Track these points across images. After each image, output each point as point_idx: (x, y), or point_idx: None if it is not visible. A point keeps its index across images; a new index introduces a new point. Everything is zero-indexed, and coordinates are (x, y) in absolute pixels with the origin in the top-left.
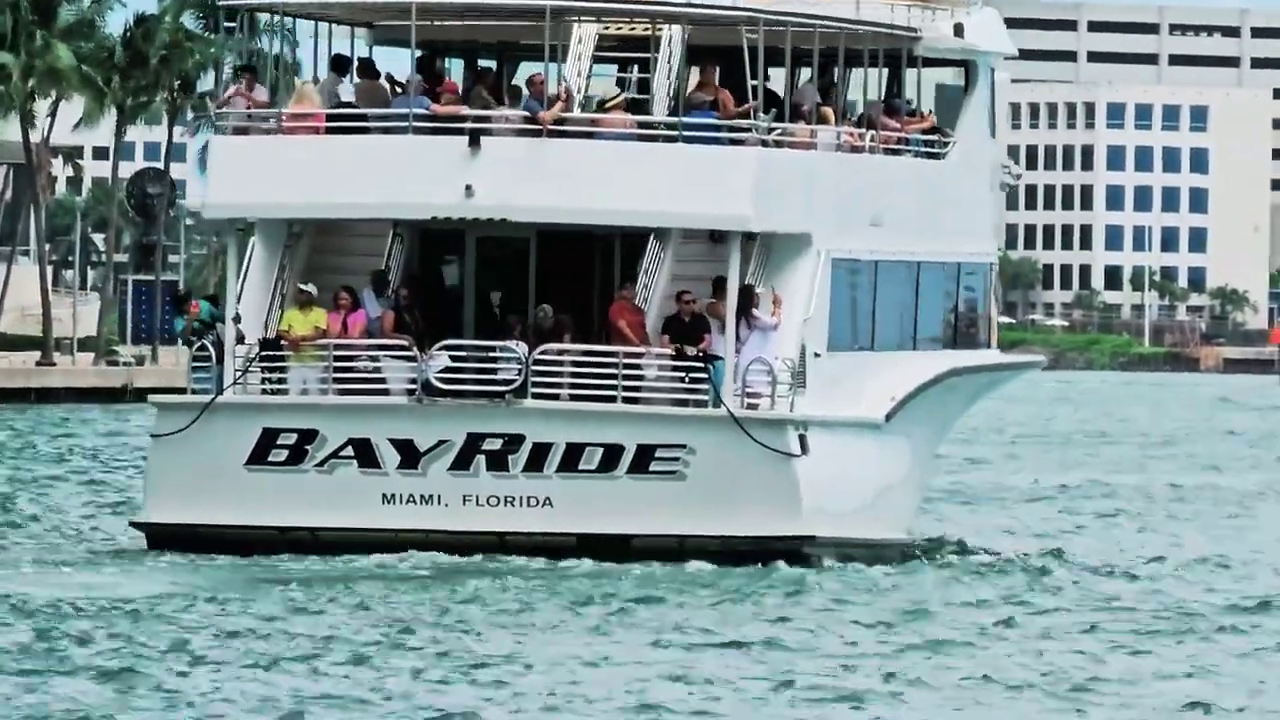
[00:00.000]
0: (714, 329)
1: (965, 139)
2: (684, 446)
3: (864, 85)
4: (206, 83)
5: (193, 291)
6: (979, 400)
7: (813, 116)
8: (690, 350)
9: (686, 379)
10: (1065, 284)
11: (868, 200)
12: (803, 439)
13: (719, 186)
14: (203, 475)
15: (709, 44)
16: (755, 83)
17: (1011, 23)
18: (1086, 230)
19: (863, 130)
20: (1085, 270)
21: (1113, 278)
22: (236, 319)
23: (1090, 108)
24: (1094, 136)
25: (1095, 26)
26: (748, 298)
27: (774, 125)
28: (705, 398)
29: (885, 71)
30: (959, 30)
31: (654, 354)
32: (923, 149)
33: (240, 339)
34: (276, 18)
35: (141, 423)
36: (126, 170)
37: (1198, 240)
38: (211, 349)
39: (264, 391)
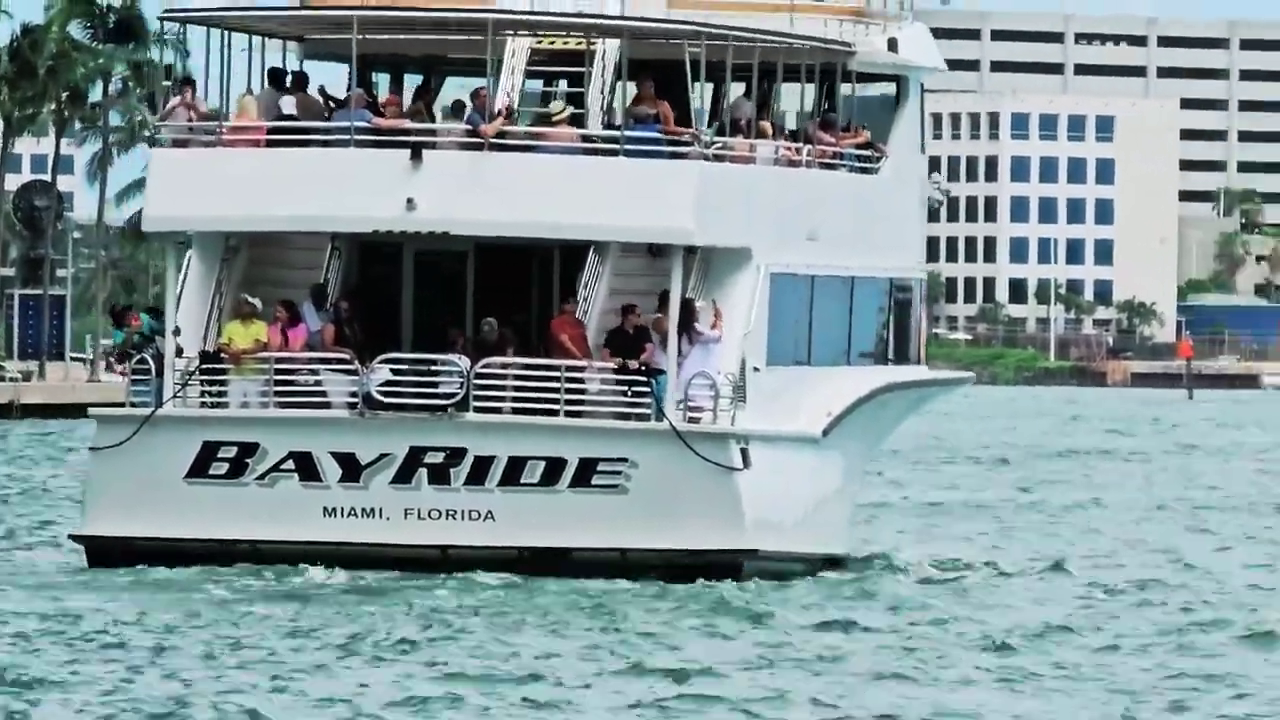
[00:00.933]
0: (657, 342)
1: (897, 154)
2: (626, 460)
3: (800, 100)
4: (95, 93)
5: (134, 305)
6: (908, 416)
7: (751, 131)
8: (632, 364)
9: (629, 393)
10: (969, 297)
11: (805, 215)
12: (744, 453)
13: (661, 200)
14: (143, 488)
15: (646, 58)
16: (696, 96)
17: None
18: (991, 242)
19: (799, 145)
20: (989, 283)
21: (1017, 290)
22: (176, 332)
23: (994, 118)
24: (998, 147)
25: (999, 35)
26: (689, 311)
27: (716, 139)
28: (647, 411)
29: (819, 86)
30: (893, 45)
31: (596, 367)
32: (857, 164)
33: (180, 352)
34: (169, 26)
35: (20, 438)
36: (13, 183)
37: (1104, 252)
38: (151, 362)
39: (204, 404)
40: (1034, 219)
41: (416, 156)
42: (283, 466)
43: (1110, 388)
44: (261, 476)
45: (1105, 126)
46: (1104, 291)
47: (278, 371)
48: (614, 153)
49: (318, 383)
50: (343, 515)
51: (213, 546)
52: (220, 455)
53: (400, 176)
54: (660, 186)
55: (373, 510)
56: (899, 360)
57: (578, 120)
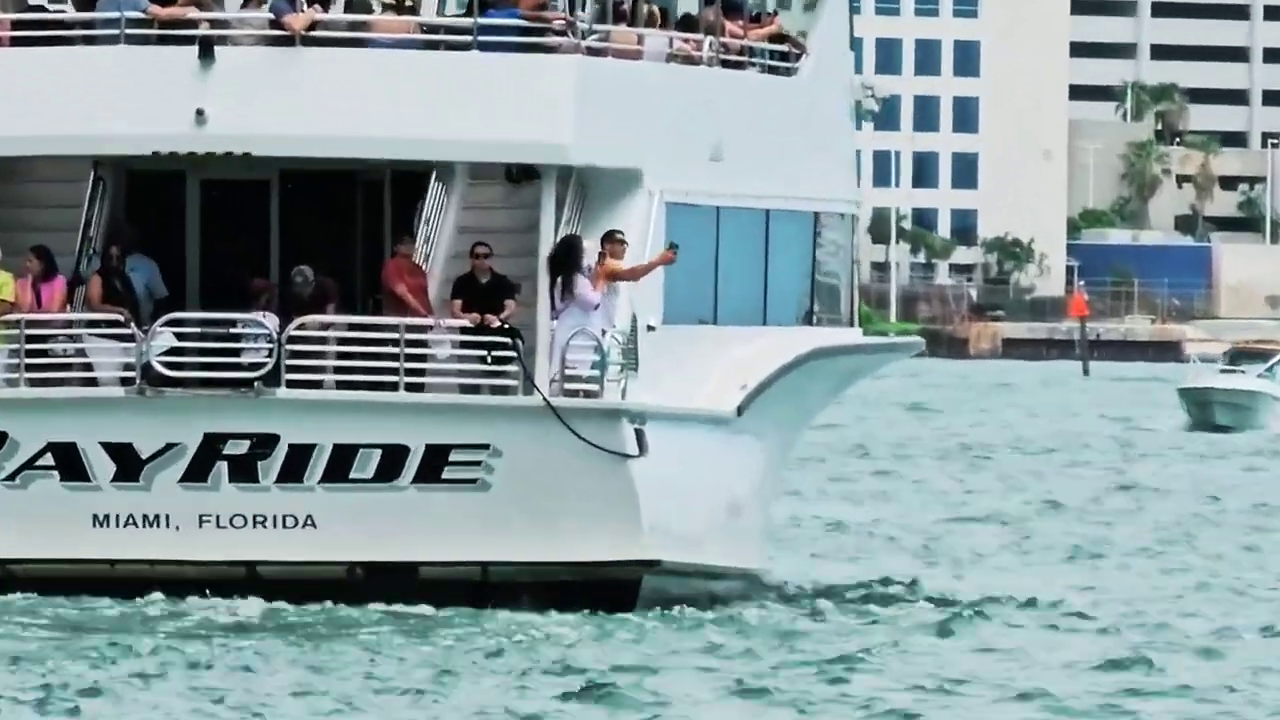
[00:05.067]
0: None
1: (820, 50)
2: (487, 447)
3: None
4: None
5: None
6: (840, 392)
7: (637, 17)
8: (492, 320)
9: (488, 359)
10: None
11: (707, 127)
12: (639, 435)
13: (525, 107)
14: None
15: None
16: None
17: None
18: None
19: (698, 36)
20: None
21: None
22: None
23: None
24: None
25: None
26: (572, 253)
27: (595, 28)
28: (512, 383)
29: None
30: None
31: (444, 326)
32: (768, 61)
33: None
34: None
35: None
36: None
37: (964, 172)
38: None
39: None
40: (865, 124)
41: (206, 55)
42: (38, 463)
43: (974, 360)
44: (11, 477)
45: None
46: (964, 226)
47: (28, 338)
48: (463, 46)
49: (81, 352)
50: (118, 524)
51: None
52: None
53: (184, 81)
54: (524, 89)
55: (157, 517)
56: (827, 319)
57: (413, 6)
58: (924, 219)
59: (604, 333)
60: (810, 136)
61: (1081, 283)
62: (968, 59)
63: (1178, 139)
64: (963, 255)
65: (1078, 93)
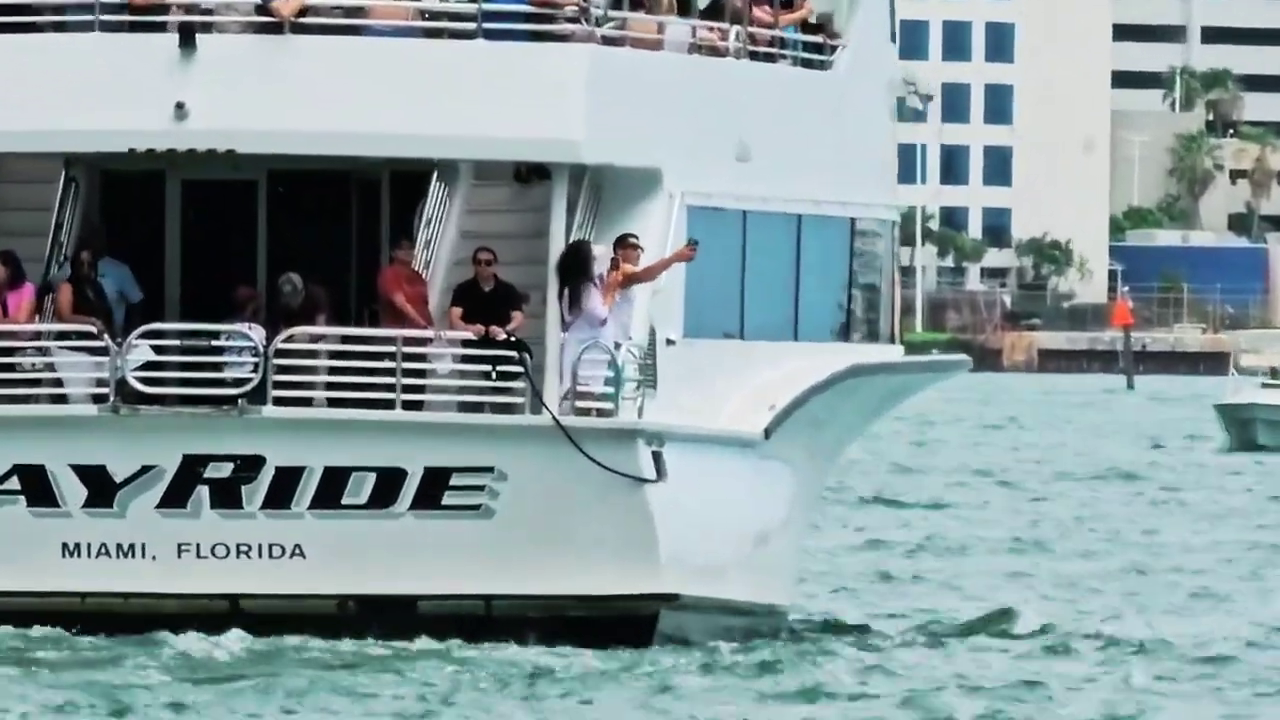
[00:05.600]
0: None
1: (859, 42)
2: (491, 471)
3: None
4: None
5: None
6: (880, 415)
7: (657, 3)
8: (498, 332)
9: (493, 374)
10: None
11: (732, 124)
12: (657, 458)
13: (534, 101)
14: None
15: None
16: None
17: None
18: None
19: (725, 25)
20: None
21: None
22: None
23: None
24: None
25: None
26: (582, 260)
27: (611, 15)
28: (519, 400)
29: None
30: None
31: (446, 339)
32: (802, 53)
33: None
34: None
35: None
36: None
37: (998, 166)
38: None
39: None
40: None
41: (187, 43)
42: (3, 487)
43: (1007, 372)
44: None
45: None
46: (997, 226)
47: None
48: (467, 34)
49: (50, 366)
50: (90, 554)
51: None
52: None
53: (163, 72)
54: (533, 81)
55: (132, 547)
56: (864, 336)
57: None
58: (953, 219)
59: (618, 346)
60: (846, 135)
61: (1125, 288)
62: (1001, 43)
63: (1231, 130)
64: (995, 258)
65: (1121, 80)
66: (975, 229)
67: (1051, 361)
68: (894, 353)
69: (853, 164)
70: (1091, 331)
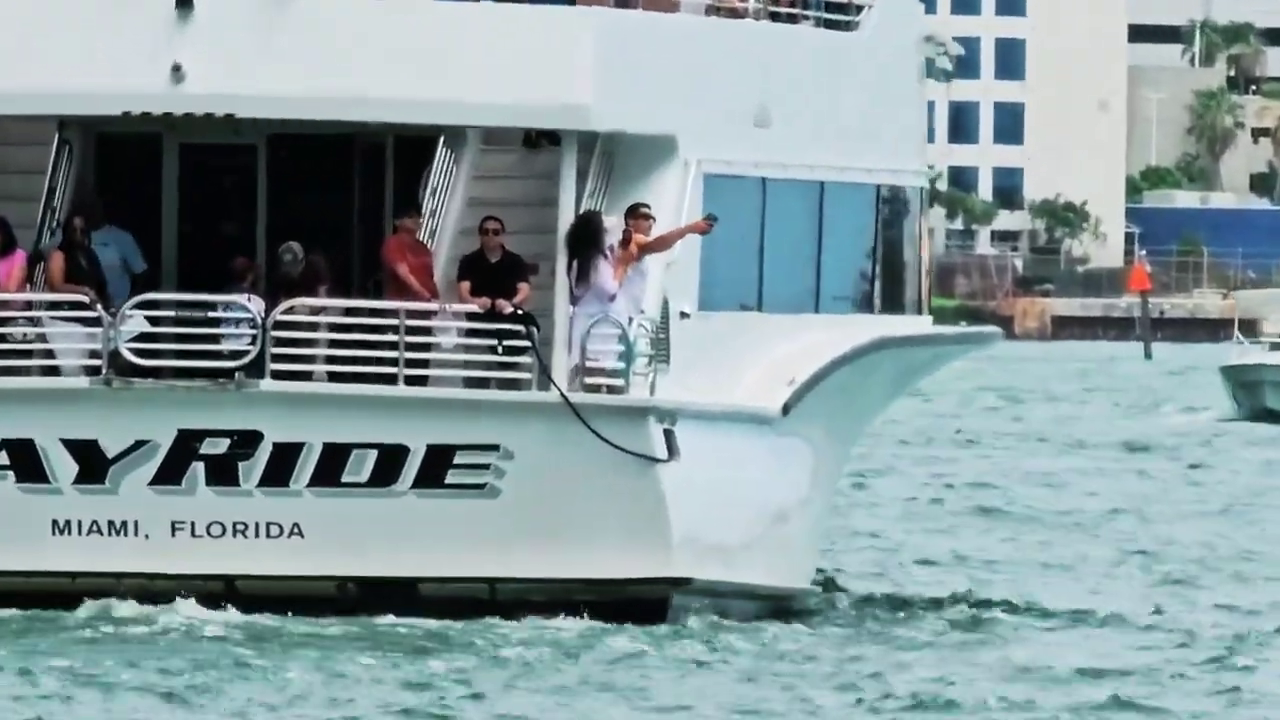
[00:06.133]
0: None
1: (886, 1)
2: (496, 449)
3: None
4: None
5: None
6: (905, 389)
7: None
8: (504, 305)
9: (499, 348)
10: None
11: (753, 88)
12: (669, 436)
13: (543, 64)
14: None
15: None
16: None
17: None
18: None
19: None
20: None
21: None
22: None
23: None
24: None
25: None
26: (592, 232)
27: None
28: (526, 376)
29: None
30: None
31: (451, 312)
32: (824, 14)
33: None
34: None
35: None
36: None
37: (1009, 124)
38: None
39: None
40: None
41: (184, 3)
42: None
43: (1019, 340)
44: None
45: None
46: (1008, 187)
47: None
48: None
49: (42, 337)
50: (81, 532)
51: None
52: None
53: (159, 32)
54: (541, 44)
55: (125, 524)
56: (890, 307)
57: None
58: (962, 179)
59: (630, 320)
60: (873, 98)
61: (1143, 252)
62: None
63: (1253, 87)
64: (1006, 221)
65: (1139, 34)
66: (985, 190)
67: (1065, 329)
68: (922, 324)
69: (879, 129)
70: (1107, 298)
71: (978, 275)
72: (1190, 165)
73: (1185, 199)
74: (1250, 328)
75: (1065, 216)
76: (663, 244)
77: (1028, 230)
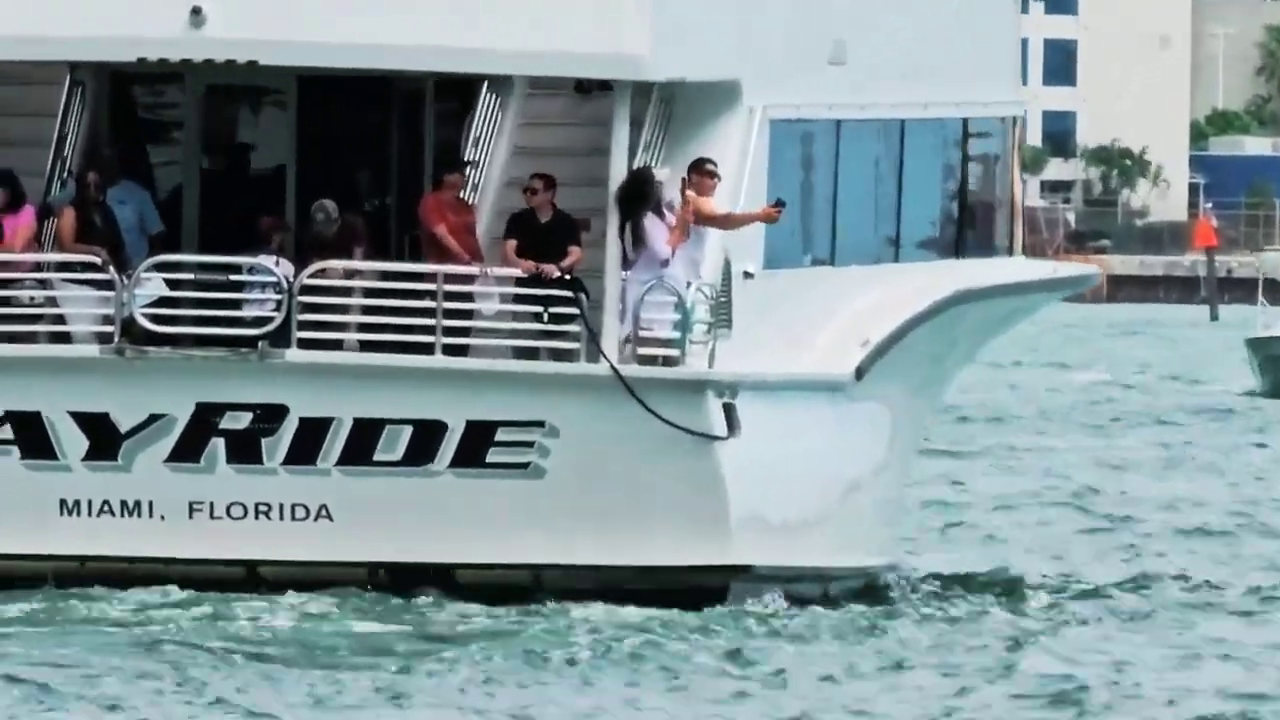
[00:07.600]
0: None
1: None
2: (541, 425)
3: None
4: None
5: None
6: (995, 337)
7: None
8: (550, 269)
9: (545, 316)
10: None
11: (824, 24)
12: (729, 410)
13: (596, 9)
14: None
15: None
16: None
17: None
18: None
19: None
20: None
21: None
22: None
23: None
24: None
25: None
26: (644, 190)
27: None
28: (574, 346)
29: None
30: None
31: (494, 276)
32: None
33: None
34: None
35: None
36: None
37: (1060, 64)
38: None
39: None
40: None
41: None
42: None
43: (1073, 303)
44: None
45: None
46: (1060, 132)
47: None
48: None
49: (52, 301)
50: (91, 512)
51: None
52: None
53: None
54: None
55: (138, 505)
56: (980, 250)
57: None
58: None
59: (689, 285)
60: (959, 24)
61: (1208, 205)
62: None
63: None
64: (1058, 170)
65: None
66: (1035, 135)
67: (1122, 289)
68: (1014, 266)
69: (966, 56)
70: (1169, 255)
71: (1026, 229)
72: (1261, 108)
73: (1255, 145)
74: None
75: (1122, 165)
76: (725, 224)
77: (1081, 180)
